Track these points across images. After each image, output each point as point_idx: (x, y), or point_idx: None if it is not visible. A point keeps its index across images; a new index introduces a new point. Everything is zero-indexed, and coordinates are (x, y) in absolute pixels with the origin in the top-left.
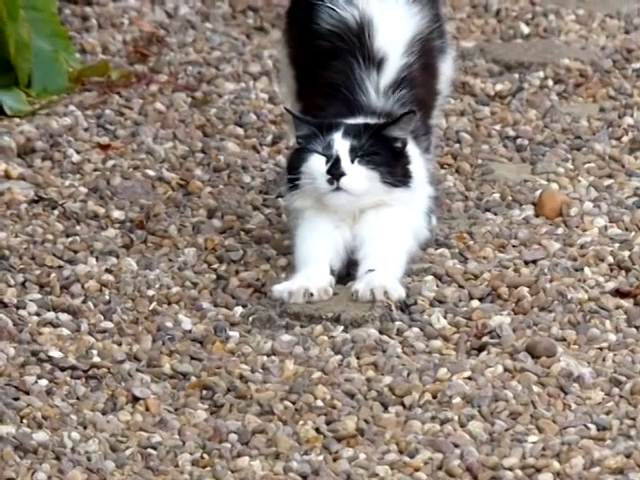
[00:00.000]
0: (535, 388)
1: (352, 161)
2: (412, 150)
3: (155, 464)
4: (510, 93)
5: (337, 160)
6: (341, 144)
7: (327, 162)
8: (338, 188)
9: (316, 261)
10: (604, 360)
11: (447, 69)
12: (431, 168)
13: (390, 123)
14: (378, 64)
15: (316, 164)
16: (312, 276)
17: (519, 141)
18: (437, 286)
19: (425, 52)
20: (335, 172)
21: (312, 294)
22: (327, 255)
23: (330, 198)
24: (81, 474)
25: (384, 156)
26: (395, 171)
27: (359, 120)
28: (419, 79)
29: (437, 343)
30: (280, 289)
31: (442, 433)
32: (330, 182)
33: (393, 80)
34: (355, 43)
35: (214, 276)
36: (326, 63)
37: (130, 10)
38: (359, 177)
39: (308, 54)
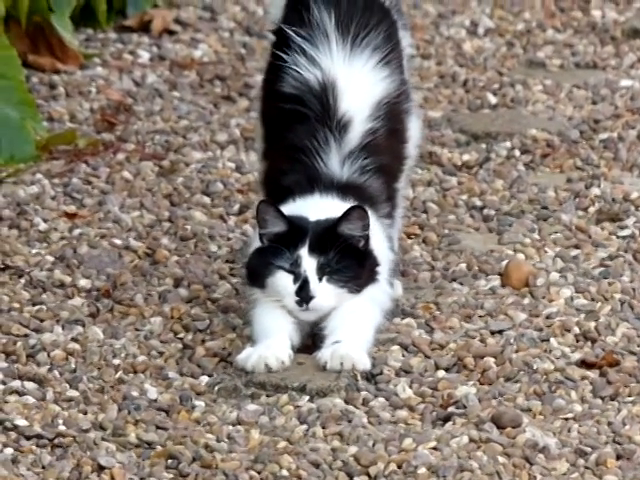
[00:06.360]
0: (500, 459)
1: (320, 279)
2: (373, 226)
3: None
4: (477, 163)
5: (305, 282)
6: (309, 262)
7: (295, 280)
8: (307, 309)
9: (276, 333)
10: (569, 431)
11: (415, 132)
12: (392, 232)
13: (340, 219)
14: (341, 128)
15: (283, 282)
16: (272, 347)
17: (486, 211)
18: (403, 356)
19: (392, 116)
20: (305, 296)
21: (271, 368)
22: (287, 328)
23: (298, 314)
24: None
25: (350, 267)
26: (362, 279)
27: (316, 197)
28: (385, 144)
29: (403, 413)
30: (241, 358)
31: None
32: (299, 304)
33: (356, 145)
34: (317, 106)
35: (180, 345)
36: (290, 125)
37: (98, 78)
38: (328, 297)
39: (274, 115)
